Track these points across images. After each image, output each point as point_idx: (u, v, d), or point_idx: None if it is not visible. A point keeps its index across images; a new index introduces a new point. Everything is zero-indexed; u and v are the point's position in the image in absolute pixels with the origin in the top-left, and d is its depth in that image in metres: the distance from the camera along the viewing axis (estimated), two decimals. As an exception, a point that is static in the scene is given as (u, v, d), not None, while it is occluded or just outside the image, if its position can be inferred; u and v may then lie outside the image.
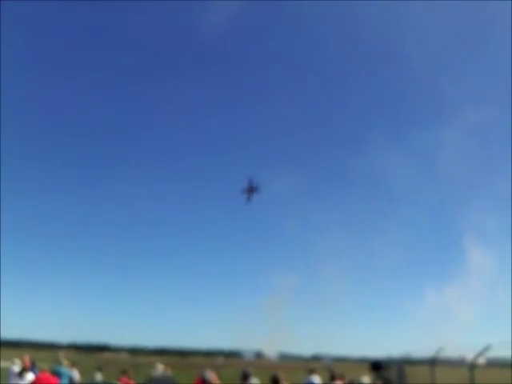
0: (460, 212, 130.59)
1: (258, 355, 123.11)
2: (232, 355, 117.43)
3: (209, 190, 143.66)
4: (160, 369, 18.51)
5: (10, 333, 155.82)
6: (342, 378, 16.95)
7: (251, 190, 37.34)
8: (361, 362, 67.93)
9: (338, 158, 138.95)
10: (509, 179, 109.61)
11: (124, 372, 17.21)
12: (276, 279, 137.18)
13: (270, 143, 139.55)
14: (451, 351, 11.41)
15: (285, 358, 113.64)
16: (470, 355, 9.16)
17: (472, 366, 8.85)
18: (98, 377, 19.03)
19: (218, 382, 10.06)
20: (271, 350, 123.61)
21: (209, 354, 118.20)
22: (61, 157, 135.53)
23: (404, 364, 15.52)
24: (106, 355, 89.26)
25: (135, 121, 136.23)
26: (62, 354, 19.26)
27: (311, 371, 17.62)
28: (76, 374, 18.83)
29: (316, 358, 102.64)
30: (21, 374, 14.43)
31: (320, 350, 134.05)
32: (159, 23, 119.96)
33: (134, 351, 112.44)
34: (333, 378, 15.21)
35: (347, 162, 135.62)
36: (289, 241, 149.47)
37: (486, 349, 8.49)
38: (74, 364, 19.58)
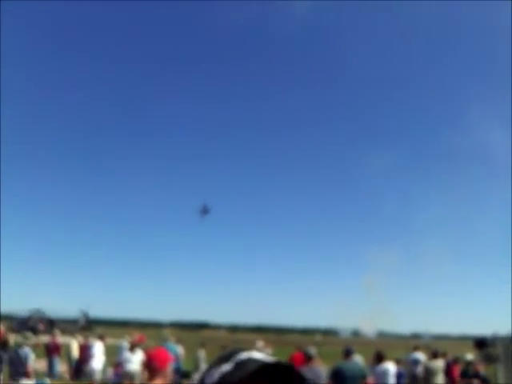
0: None
1: (355, 333, 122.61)
2: (328, 333, 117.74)
3: (304, 165, 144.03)
4: (260, 345, 18.96)
5: (117, 312, 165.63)
6: (444, 355, 16.61)
7: (205, 211, 42.40)
8: (462, 339, 65.92)
9: (441, 132, 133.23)
10: None
11: (225, 348, 17.68)
12: (375, 256, 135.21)
13: (371, 117, 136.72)
14: None
15: (383, 336, 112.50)
16: None
17: None
18: (202, 353, 19.71)
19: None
20: (369, 328, 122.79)
21: (305, 332, 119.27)
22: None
23: (511, 341, 14.83)
24: (207, 332, 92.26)
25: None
26: (168, 332, 20.19)
27: (415, 348, 17.43)
28: (181, 350, 19.66)
29: (415, 336, 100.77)
30: (131, 349, 15.24)
31: (419, 327, 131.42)
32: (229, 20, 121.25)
33: (233, 328, 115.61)
34: (435, 355, 14.93)
35: (450, 137, 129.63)
36: (389, 217, 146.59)
37: None
38: (179, 341, 20.43)
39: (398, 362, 14.46)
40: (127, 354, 15.18)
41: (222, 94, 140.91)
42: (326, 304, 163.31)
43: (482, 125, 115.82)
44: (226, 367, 0.91)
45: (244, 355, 0.92)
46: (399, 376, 12.90)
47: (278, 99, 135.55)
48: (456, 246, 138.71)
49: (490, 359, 14.28)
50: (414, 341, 45.15)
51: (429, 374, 14.17)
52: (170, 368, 4.58)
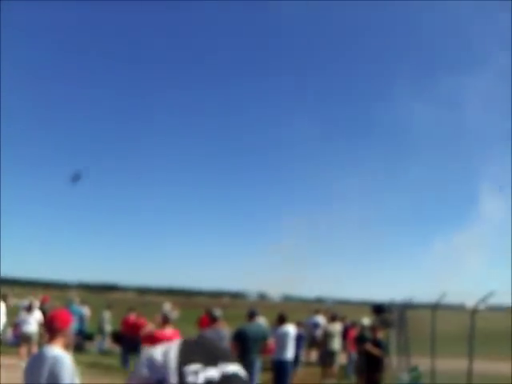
0: (480, 161, 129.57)
1: (262, 296, 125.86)
2: (236, 296, 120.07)
3: (221, 126, 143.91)
4: (168, 307, 19.07)
5: (21, 272, 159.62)
6: (343, 319, 17.52)
7: (76, 178, 44.97)
8: (363, 305, 69.21)
9: (360, 103, 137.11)
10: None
11: (132, 309, 17.64)
12: (285, 222, 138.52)
13: (297, 83, 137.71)
14: (454, 298, 11.58)
15: (288, 300, 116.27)
16: (471, 302, 9.29)
17: (473, 312, 9.03)
18: (107, 315, 19.58)
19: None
20: (275, 292, 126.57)
21: (214, 295, 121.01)
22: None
23: (406, 308, 15.86)
24: (115, 294, 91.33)
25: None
26: (73, 293, 19.89)
27: (316, 311, 18.26)
28: (87, 312, 19.43)
29: (319, 301, 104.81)
30: (28, 310, 14.93)
31: (323, 292, 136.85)
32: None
33: (142, 291, 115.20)
34: (333, 318, 15.75)
35: (369, 108, 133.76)
36: (304, 185, 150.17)
37: (489, 295, 8.60)
38: (84, 302, 20.15)
39: (298, 324, 15.08)
40: (24, 315, 14.89)
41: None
42: (235, 268, 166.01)
43: (404, 100, 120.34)
44: (213, 374, 0.82)
45: (231, 368, 0.85)
46: (299, 338, 13.47)
47: (200, 53, 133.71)
48: (365, 217, 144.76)
49: (385, 324, 15.21)
50: (318, 305, 46.95)
51: (327, 336, 14.95)
52: (70, 329, 4.58)
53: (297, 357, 13.17)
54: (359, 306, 72.04)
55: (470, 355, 8.85)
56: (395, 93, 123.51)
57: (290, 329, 10.96)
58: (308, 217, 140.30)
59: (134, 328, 15.33)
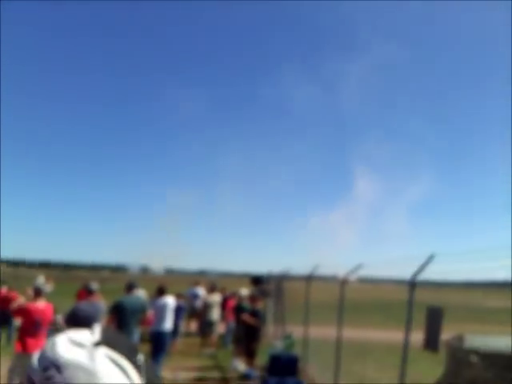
0: (357, 142, 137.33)
1: (144, 270, 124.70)
2: (117, 269, 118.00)
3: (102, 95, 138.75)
4: (41, 280, 18.32)
5: None
6: (223, 290, 17.91)
7: None
8: (244, 277, 70.74)
9: (248, 84, 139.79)
10: (403, 113, 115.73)
11: (3, 282, 16.80)
12: (170, 195, 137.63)
13: (180, 64, 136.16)
14: (327, 269, 12.23)
15: (171, 273, 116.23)
16: (343, 273, 9.83)
17: (343, 282, 9.57)
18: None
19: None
20: (158, 265, 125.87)
21: (93, 268, 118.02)
22: None
23: (282, 279, 16.52)
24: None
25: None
26: None
27: (195, 283, 18.46)
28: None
29: (202, 273, 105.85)
30: None
31: (206, 265, 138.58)
32: None
33: (14, 263, 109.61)
34: (212, 289, 16.11)
35: (257, 89, 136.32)
36: (189, 158, 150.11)
37: (358, 267, 9.15)
38: None
39: (178, 296, 15.13)
40: None
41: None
42: (117, 241, 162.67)
43: (290, 80, 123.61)
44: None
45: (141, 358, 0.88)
46: (179, 309, 13.54)
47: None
48: (248, 192, 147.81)
49: (263, 294, 15.74)
50: (201, 278, 47.44)
51: (206, 307, 15.24)
52: None
53: (176, 327, 13.26)
54: (241, 277, 73.74)
55: (339, 323, 9.43)
56: (281, 73, 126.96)
57: (169, 300, 11.02)
58: (192, 191, 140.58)
59: (5, 301, 14.63)
